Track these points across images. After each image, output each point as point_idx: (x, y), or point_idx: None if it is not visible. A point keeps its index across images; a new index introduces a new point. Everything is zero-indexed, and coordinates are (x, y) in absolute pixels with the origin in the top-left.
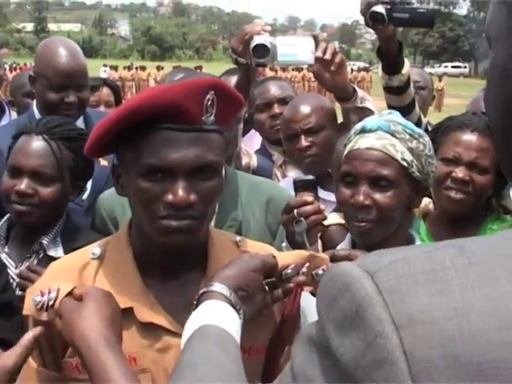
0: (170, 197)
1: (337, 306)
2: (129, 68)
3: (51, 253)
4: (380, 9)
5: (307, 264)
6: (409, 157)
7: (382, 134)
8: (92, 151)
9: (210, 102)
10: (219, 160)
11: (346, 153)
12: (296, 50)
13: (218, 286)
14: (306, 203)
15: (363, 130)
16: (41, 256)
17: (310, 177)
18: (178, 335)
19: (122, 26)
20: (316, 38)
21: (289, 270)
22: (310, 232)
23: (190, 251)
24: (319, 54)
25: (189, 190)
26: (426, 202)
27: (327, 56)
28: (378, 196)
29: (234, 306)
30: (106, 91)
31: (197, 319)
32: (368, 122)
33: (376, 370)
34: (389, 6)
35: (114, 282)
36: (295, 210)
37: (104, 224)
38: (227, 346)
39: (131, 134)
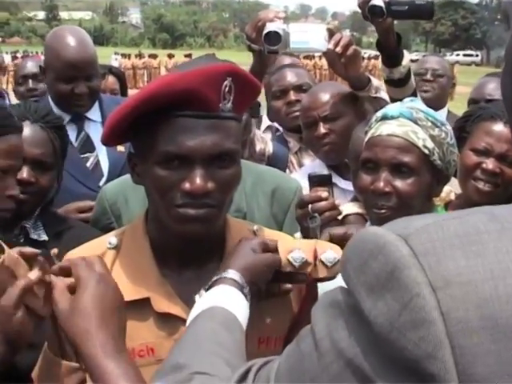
0: (187, 185)
1: (369, 269)
2: (140, 56)
3: (34, 236)
4: (379, 2)
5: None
6: (430, 144)
7: (403, 121)
8: (109, 139)
9: (227, 89)
10: (237, 148)
11: (366, 139)
12: (309, 37)
13: (232, 273)
14: (321, 199)
15: (385, 117)
16: (22, 240)
17: (326, 172)
18: None
19: (133, 14)
20: (330, 30)
21: (295, 254)
22: (323, 228)
23: (208, 240)
24: (331, 46)
25: (206, 177)
26: (447, 190)
27: (338, 49)
28: (398, 183)
29: (245, 296)
30: (111, 79)
31: (207, 300)
32: (390, 108)
33: (413, 330)
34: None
35: (131, 272)
36: (309, 206)
37: (104, 215)
38: (233, 329)
39: (147, 122)
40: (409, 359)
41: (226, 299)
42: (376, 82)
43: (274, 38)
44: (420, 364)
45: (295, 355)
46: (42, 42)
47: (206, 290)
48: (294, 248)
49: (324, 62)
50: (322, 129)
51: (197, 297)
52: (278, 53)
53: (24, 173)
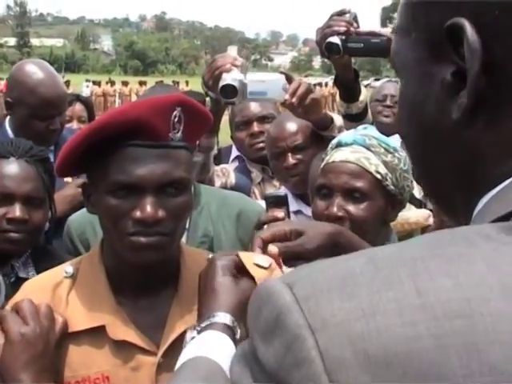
0: (138, 213)
1: (261, 316)
2: (111, 83)
3: (23, 274)
4: (335, 39)
5: None
6: (383, 170)
7: (357, 148)
8: (62, 169)
9: (177, 119)
10: (187, 176)
11: (321, 166)
12: (266, 87)
13: (222, 317)
14: (277, 219)
15: (339, 144)
16: (12, 279)
17: (282, 193)
18: (151, 353)
19: (104, 41)
20: (287, 76)
21: (259, 259)
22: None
23: (162, 269)
24: (287, 96)
25: (157, 206)
26: (426, 215)
27: (294, 100)
28: (351, 208)
29: (234, 337)
30: (79, 107)
31: (194, 348)
32: (344, 136)
33: (296, 369)
34: (344, 37)
35: (87, 301)
36: (265, 226)
37: (74, 246)
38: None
39: (99, 152)
40: None
41: (212, 348)
42: (339, 121)
43: (230, 91)
44: None
45: None
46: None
47: (198, 332)
48: (253, 256)
49: None
50: (292, 159)
51: (188, 335)
52: (235, 104)
53: (16, 211)
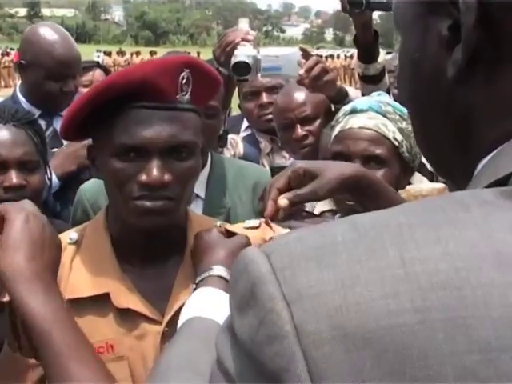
0: (143, 177)
1: (237, 288)
2: (122, 54)
3: None
4: None
5: None
6: (399, 137)
7: (373, 114)
8: (67, 131)
9: (184, 80)
10: (195, 140)
11: (336, 133)
12: (280, 62)
13: (218, 270)
14: None
15: (354, 111)
16: None
17: (288, 163)
18: (155, 322)
19: (115, 12)
20: (305, 52)
21: (249, 222)
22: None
23: (168, 235)
24: (302, 72)
25: (163, 169)
26: (441, 188)
27: (307, 82)
28: None
29: None
30: (99, 72)
31: (190, 308)
32: (358, 102)
33: (268, 345)
34: None
35: (91, 267)
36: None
37: (87, 215)
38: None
39: (105, 114)
40: (269, 372)
41: (210, 306)
42: (354, 94)
43: (243, 67)
44: (278, 377)
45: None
46: None
47: (194, 289)
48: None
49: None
50: (300, 131)
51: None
52: (248, 81)
53: (12, 178)
